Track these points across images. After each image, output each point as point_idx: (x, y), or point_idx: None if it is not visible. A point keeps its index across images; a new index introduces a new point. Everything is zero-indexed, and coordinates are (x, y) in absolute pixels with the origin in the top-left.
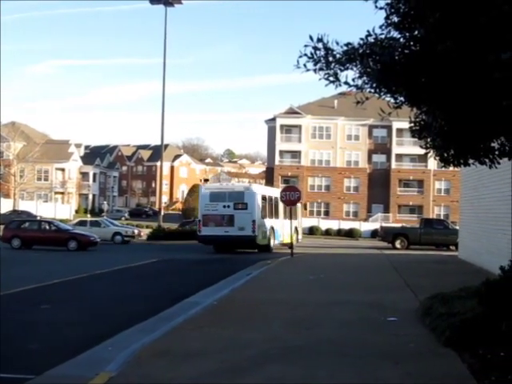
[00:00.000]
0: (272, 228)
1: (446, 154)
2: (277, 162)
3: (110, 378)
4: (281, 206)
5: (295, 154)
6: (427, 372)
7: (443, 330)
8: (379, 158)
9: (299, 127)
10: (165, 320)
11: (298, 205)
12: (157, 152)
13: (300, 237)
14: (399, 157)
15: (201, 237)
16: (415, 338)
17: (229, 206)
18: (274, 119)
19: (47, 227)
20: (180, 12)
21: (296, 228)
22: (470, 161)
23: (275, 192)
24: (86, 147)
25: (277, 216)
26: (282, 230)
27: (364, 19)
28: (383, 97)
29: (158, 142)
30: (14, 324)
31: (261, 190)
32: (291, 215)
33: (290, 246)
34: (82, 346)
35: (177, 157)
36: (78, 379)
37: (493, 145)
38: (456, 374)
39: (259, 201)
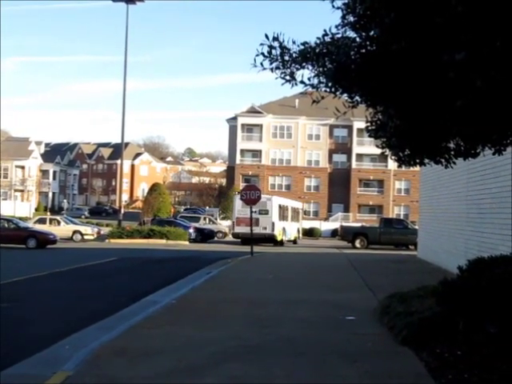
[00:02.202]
0: (284, 228)
1: (401, 154)
2: (238, 161)
3: (67, 377)
4: (290, 211)
5: (256, 153)
6: (385, 370)
7: (401, 328)
8: (340, 158)
9: (260, 126)
10: (124, 319)
11: (300, 210)
12: (117, 150)
13: (300, 235)
14: (360, 157)
15: (234, 233)
16: (373, 336)
17: (255, 212)
18: (235, 118)
19: (6, 225)
20: (141, 10)
21: (298, 229)
22: (426, 160)
23: (287, 202)
24: (47, 145)
25: (286, 219)
26: (289, 229)
27: (321, 19)
28: (339, 96)
29: (119, 140)
30: None
31: (278, 200)
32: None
33: (294, 241)
34: (39, 344)
35: (137, 155)
36: (34, 378)
37: (449, 145)
38: (413, 372)
39: (277, 208)
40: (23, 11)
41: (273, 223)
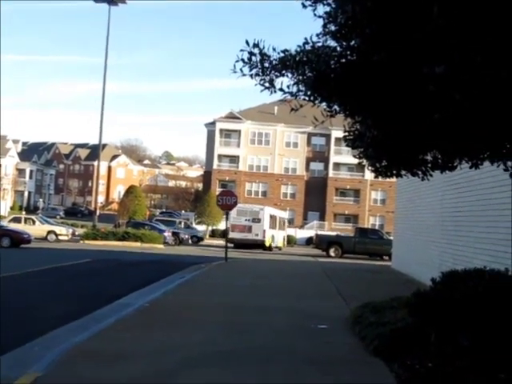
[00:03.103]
0: (273, 236)
1: (378, 165)
2: (215, 166)
3: (36, 378)
4: (278, 221)
5: (233, 159)
6: (355, 380)
7: (372, 339)
8: (317, 166)
9: (239, 132)
10: (96, 320)
11: (285, 220)
12: (95, 151)
13: (286, 243)
14: (337, 166)
15: (229, 238)
16: (344, 346)
17: (248, 220)
18: (213, 123)
19: None
20: (121, 12)
21: (284, 237)
22: (403, 172)
23: (277, 212)
24: (24, 143)
25: (275, 228)
26: (277, 237)
27: (302, 27)
28: (318, 105)
29: (97, 141)
30: None
31: (269, 210)
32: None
33: (280, 248)
34: (9, 345)
35: (114, 157)
36: (3, 379)
37: (426, 157)
38: (384, 383)
39: (268, 217)
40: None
41: (264, 231)
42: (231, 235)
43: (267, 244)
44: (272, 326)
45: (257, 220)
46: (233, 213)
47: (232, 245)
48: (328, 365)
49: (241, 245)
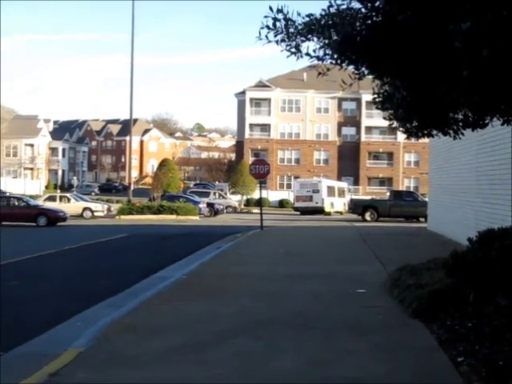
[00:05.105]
0: (332, 203)
1: (408, 126)
2: (246, 136)
3: (78, 354)
4: (336, 190)
5: (265, 128)
6: (395, 343)
7: (411, 301)
8: (349, 131)
9: (269, 100)
10: (133, 295)
11: (345, 189)
12: (126, 126)
13: (346, 208)
14: (369, 129)
15: (294, 207)
16: (383, 309)
17: (309, 191)
18: (243, 92)
19: (16, 203)
20: None
21: (344, 203)
22: (434, 132)
23: (335, 183)
24: (55, 122)
25: (334, 195)
26: (336, 204)
27: None
28: (345, 68)
29: (128, 117)
30: None
31: (326, 182)
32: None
33: (341, 213)
34: (50, 322)
35: (146, 131)
36: (46, 355)
37: (457, 116)
38: (424, 344)
39: (325, 188)
40: None
41: (322, 199)
42: (296, 205)
43: (326, 210)
44: (309, 293)
45: (316, 191)
46: (296, 186)
47: (298, 212)
48: (367, 329)
49: (305, 212)
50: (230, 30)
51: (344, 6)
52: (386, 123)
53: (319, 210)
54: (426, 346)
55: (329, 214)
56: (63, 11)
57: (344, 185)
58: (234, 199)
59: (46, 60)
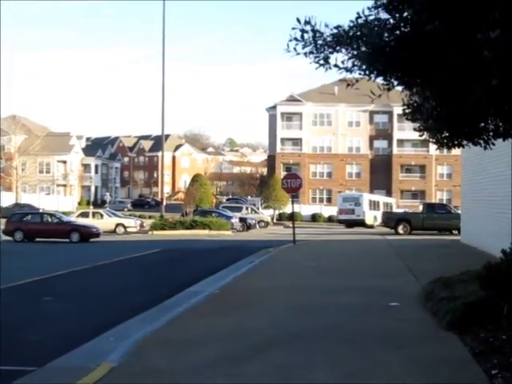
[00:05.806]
0: (375, 216)
1: (439, 136)
2: (278, 150)
3: (111, 369)
4: (381, 204)
5: (296, 142)
6: (429, 356)
7: (444, 313)
8: (381, 144)
9: (300, 114)
10: (166, 309)
11: (392, 204)
12: (158, 142)
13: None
14: (401, 142)
15: (338, 219)
16: (417, 322)
17: (351, 204)
18: (274, 107)
19: (49, 219)
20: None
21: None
22: (464, 142)
23: (378, 197)
24: (87, 139)
25: (378, 209)
26: (379, 217)
27: (353, 2)
28: (374, 79)
29: (159, 133)
30: (15, 316)
31: (368, 196)
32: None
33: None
34: (83, 336)
35: (178, 147)
36: (79, 370)
37: (487, 126)
38: (458, 357)
39: (367, 201)
40: (61, 8)
41: (363, 212)
42: (340, 217)
43: (368, 223)
44: (343, 306)
45: (357, 204)
46: (340, 200)
47: (342, 225)
48: (401, 341)
49: (349, 224)
50: (260, 45)
51: (372, 17)
52: (417, 136)
53: (361, 223)
54: (460, 359)
55: (371, 226)
56: (93, 28)
57: (391, 200)
58: (267, 214)
59: (79, 77)
